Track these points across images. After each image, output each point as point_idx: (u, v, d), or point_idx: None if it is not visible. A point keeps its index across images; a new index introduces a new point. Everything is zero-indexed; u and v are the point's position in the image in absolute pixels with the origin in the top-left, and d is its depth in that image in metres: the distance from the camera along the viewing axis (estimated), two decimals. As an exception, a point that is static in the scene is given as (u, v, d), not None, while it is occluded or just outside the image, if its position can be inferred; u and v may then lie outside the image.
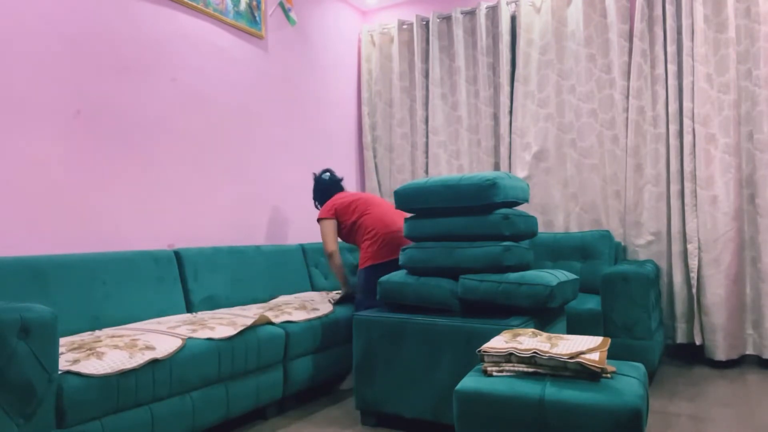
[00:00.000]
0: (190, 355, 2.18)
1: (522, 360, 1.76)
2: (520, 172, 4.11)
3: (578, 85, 3.98)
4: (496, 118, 4.32)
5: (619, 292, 3.05)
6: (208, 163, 3.42)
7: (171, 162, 3.18)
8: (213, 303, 3.05)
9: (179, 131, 3.24)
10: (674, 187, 3.60)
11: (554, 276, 2.42)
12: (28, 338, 1.64)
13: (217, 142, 3.48)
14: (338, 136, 4.64)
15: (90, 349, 1.94)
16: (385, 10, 4.94)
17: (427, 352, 2.40)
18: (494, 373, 1.78)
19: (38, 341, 1.66)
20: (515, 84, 4.16)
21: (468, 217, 2.50)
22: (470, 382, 1.75)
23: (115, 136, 2.89)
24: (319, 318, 2.92)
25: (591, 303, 3.20)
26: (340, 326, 3.05)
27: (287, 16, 3.85)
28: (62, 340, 2.12)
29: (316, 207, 3.60)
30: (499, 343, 1.86)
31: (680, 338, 3.60)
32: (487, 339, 2.24)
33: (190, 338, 2.24)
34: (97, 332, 2.30)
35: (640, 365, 1.86)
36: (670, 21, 3.66)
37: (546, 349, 1.74)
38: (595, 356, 1.68)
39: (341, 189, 3.52)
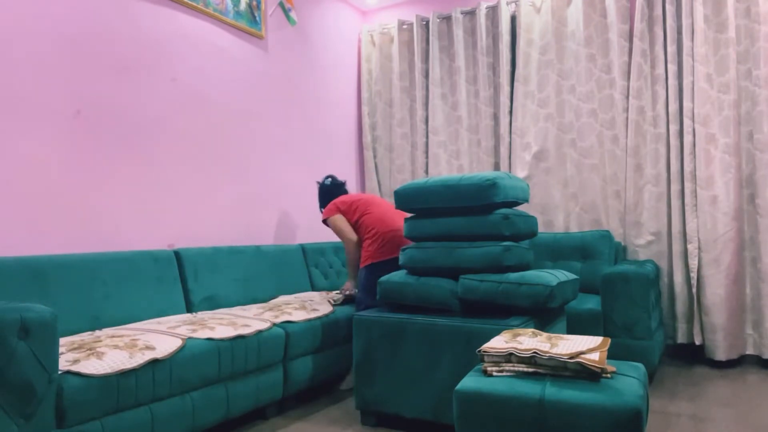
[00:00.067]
0: (190, 355, 2.18)
1: (522, 360, 1.76)
2: (520, 172, 4.11)
3: (578, 85, 3.98)
4: (496, 118, 4.32)
5: (619, 292, 3.05)
6: (208, 163, 3.42)
7: (171, 162, 3.18)
8: (213, 303, 3.05)
9: (179, 131, 3.24)
10: (674, 187, 3.60)
11: (554, 276, 2.42)
12: (28, 338, 1.64)
13: (217, 142, 3.48)
14: (338, 136, 4.64)
15: (90, 349, 1.94)
16: (385, 10, 4.94)
17: (427, 352, 2.40)
18: (494, 373, 1.78)
19: (38, 341, 1.66)
20: (515, 84, 4.16)
21: (468, 217, 2.50)
22: (470, 382, 1.75)
23: (115, 136, 2.89)
24: (319, 318, 2.92)
25: (591, 303, 3.20)
26: (340, 326, 3.05)
27: (287, 16, 3.85)
28: (62, 340, 2.12)
29: (322, 212, 3.61)
30: (499, 343, 1.86)
31: (680, 338, 3.60)
32: (487, 339, 2.24)
33: (190, 338, 2.24)
34: (97, 332, 2.30)
35: (640, 365, 1.86)
36: (670, 21, 3.66)
37: (546, 349, 1.74)
38: (595, 356, 1.68)
39: (345, 192, 3.55)
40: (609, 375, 1.70)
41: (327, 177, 3.61)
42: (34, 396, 1.64)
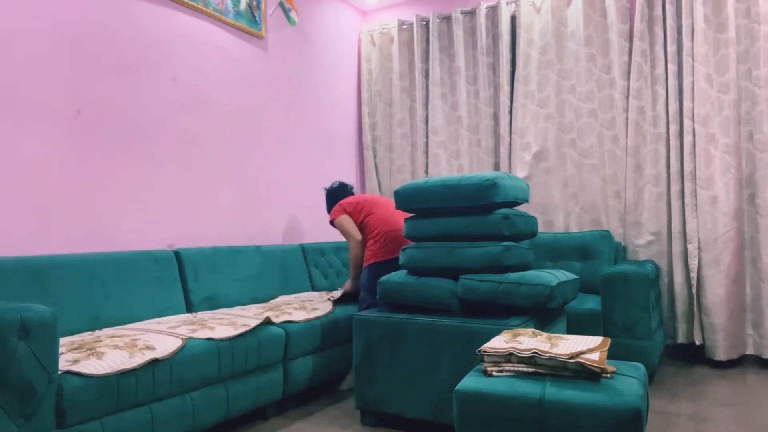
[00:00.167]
0: (190, 355, 2.18)
1: (522, 360, 1.76)
2: (520, 172, 4.11)
3: (578, 85, 3.98)
4: (496, 118, 4.32)
5: (619, 292, 3.05)
6: (208, 163, 3.42)
7: (171, 162, 3.18)
8: (213, 303, 3.05)
9: (179, 131, 3.24)
10: (674, 187, 3.60)
11: (554, 276, 2.42)
12: (28, 338, 1.64)
13: (217, 142, 3.48)
14: (338, 136, 4.64)
15: (90, 349, 1.94)
16: (385, 10, 4.94)
17: (427, 352, 2.40)
18: (494, 373, 1.78)
19: (38, 341, 1.66)
20: (515, 84, 4.16)
21: (468, 217, 2.50)
22: (470, 382, 1.75)
23: (115, 136, 2.89)
24: (319, 318, 2.92)
25: (591, 303, 3.20)
26: (340, 326, 3.05)
27: (287, 17, 3.85)
28: (62, 340, 2.12)
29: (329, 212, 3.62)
30: (499, 343, 1.86)
31: (680, 338, 3.60)
32: (487, 339, 2.24)
33: (190, 338, 2.24)
34: (97, 332, 2.30)
35: (640, 365, 1.86)
36: (670, 21, 3.66)
37: (546, 349, 1.74)
38: (595, 356, 1.68)
39: (351, 194, 3.57)
40: (609, 375, 1.70)
41: (335, 182, 3.64)
42: (34, 396, 1.64)
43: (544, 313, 2.52)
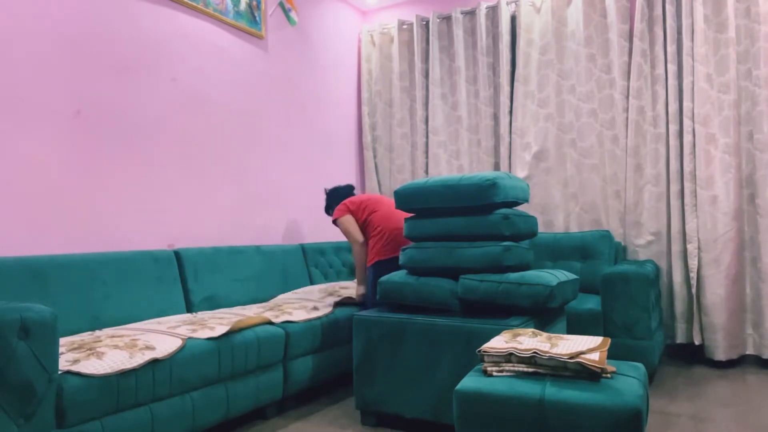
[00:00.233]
0: (190, 355, 2.18)
1: (522, 360, 1.76)
2: (520, 172, 4.11)
3: (578, 85, 3.98)
4: (496, 118, 4.32)
5: (619, 292, 3.05)
6: (208, 163, 3.42)
7: (171, 162, 3.18)
8: (213, 303, 3.05)
9: (179, 131, 3.24)
10: (674, 187, 3.60)
11: (554, 276, 2.42)
12: (28, 338, 1.64)
13: (217, 142, 3.48)
14: (338, 136, 4.64)
15: (90, 349, 1.94)
16: (385, 10, 4.94)
17: (427, 352, 2.40)
18: (494, 373, 1.78)
19: (38, 341, 1.66)
20: (515, 84, 4.16)
21: (468, 217, 2.50)
22: (470, 382, 1.75)
23: (115, 136, 2.89)
24: (319, 318, 2.92)
25: (591, 303, 3.20)
26: (340, 326, 3.05)
27: (287, 16, 3.85)
28: (62, 340, 2.12)
29: (328, 213, 3.60)
30: (499, 343, 1.86)
31: (680, 338, 3.60)
32: (487, 339, 2.24)
33: (190, 338, 2.24)
34: (97, 332, 2.30)
35: (640, 365, 1.86)
36: (670, 21, 3.66)
37: (546, 349, 1.74)
38: (595, 356, 1.68)
39: (352, 194, 3.57)
40: (609, 375, 1.70)
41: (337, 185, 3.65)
42: (34, 396, 1.64)
43: (544, 313, 2.52)
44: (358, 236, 3.18)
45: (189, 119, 3.30)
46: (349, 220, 3.22)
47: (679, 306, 3.59)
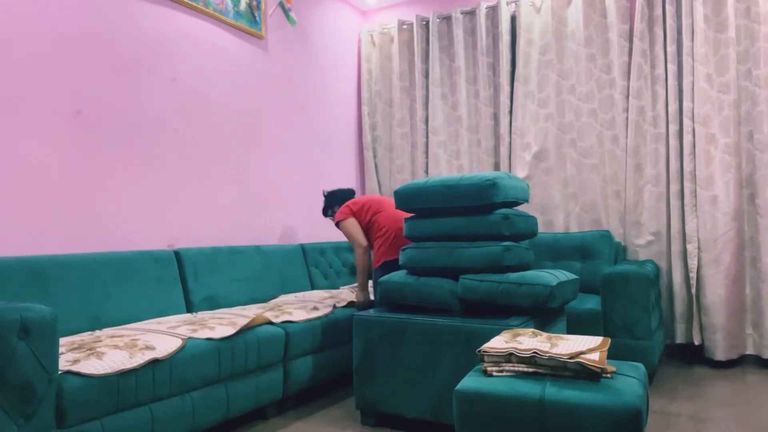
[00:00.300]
0: (190, 355, 2.18)
1: (522, 360, 1.76)
2: (520, 172, 4.11)
3: (578, 85, 3.98)
4: (496, 118, 4.32)
5: (619, 292, 3.05)
6: (208, 163, 3.42)
7: (171, 162, 3.18)
8: (213, 303, 3.05)
9: (179, 131, 3.24)
10: (674, 187, 3.60)
11: (554, 276, 2.42)
12: (28, 338, 1.64)
13: (216, 142, 3.48)
14: (338, 136, 4.64)
15: (90, 349, 1.94)
16: (385, 10, 4.94)
17: (427, 352, 2.40)
18: (494, 373, 1.78)
19: (38, 341, 1.66)
20: (515, 84, 4.16)
21: (468, 217, 2.50)
22: (470, 382, 1.75)
23: (115, 136, 2.89)
24: (319, 318, 2.92)
25: (591, 303, 3.20)
26: (340, 326, 3.05)
27: (287, 16, 3.86)
28: (62, 340, 2.12)
29: (326, 215, 3.57)
30: (499, 343, 1.86)
31: (680, 338, 3.60)
32: (487, 339, 2.24)
33: (190, 338, 2.24)
34: (97, 332, 2.30)
35: (640, 365, 1.86)
36: (670, 21, 3.66)
37: (546, 349, 1.74)
38: (595, 356, 1.68)
39: (353, 196, 3.55)
40: (609, 375, 1.70)
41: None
42: (34, 396, 1.64)
43: (544, 313, 2.52)
44: (362, 240, 3.16)
45: (189, 119, 3.30)
46: (352, 223, 3.20)
47: (679, 306, 3.59)
